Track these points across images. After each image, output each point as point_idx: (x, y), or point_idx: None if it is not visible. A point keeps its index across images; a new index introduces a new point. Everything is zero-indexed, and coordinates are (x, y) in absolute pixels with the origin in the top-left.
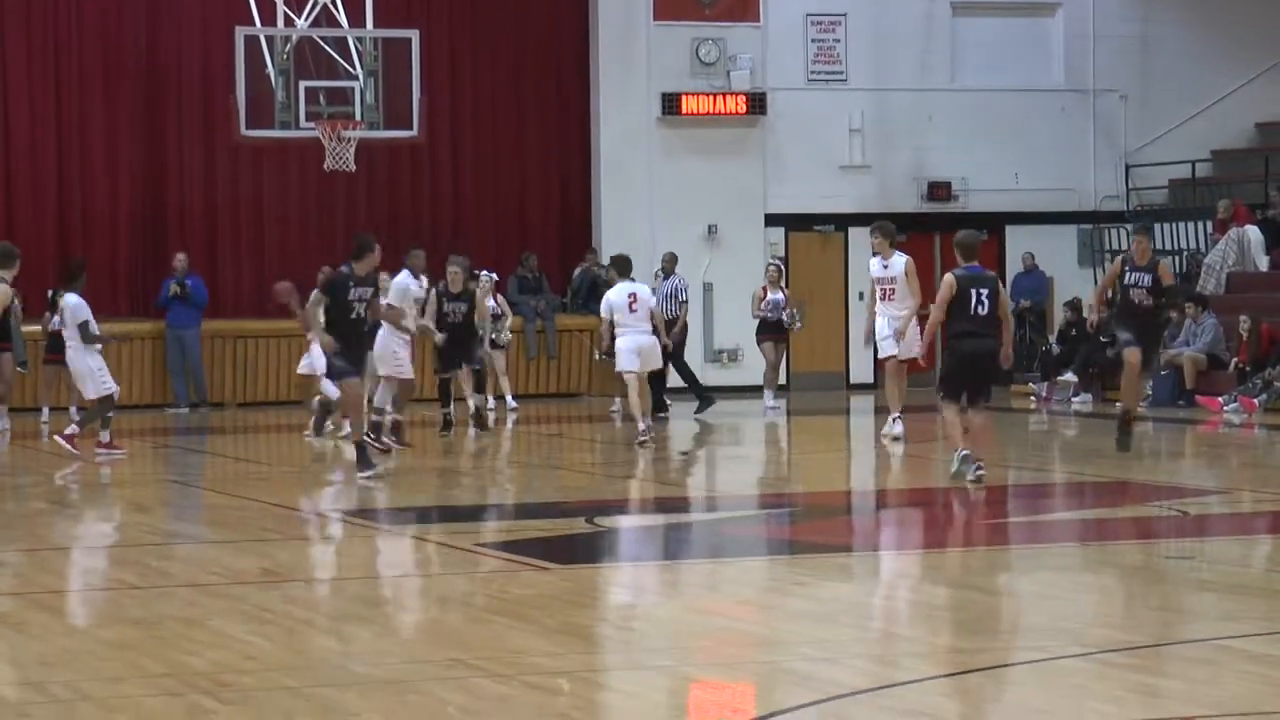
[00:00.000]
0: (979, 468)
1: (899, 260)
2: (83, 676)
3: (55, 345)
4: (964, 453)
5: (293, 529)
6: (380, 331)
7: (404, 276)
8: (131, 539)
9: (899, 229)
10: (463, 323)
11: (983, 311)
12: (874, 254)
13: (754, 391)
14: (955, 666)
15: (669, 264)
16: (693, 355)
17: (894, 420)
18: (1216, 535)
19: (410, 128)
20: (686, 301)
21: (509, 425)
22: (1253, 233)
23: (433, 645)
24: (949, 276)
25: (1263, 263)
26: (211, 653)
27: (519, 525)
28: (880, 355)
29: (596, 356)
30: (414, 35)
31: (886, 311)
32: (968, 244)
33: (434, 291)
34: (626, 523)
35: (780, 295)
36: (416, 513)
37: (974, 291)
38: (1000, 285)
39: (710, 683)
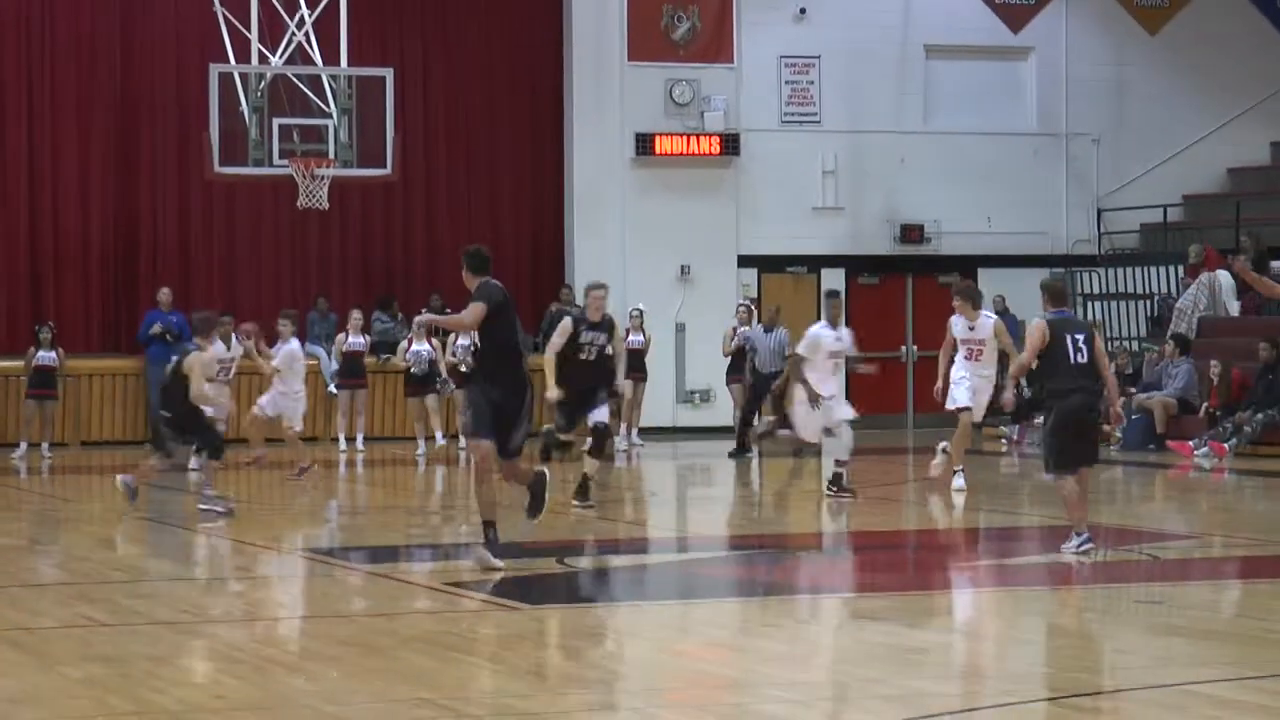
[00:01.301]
0: (1087, 540)
1: (986, 321)
2: (51, 714)
3: (39, 380)
4: (1086, 539)
5: (262, 567)
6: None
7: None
8: (101, 576)
9: (870, 270)
10: (596, 359)
11: (1082, 360)
12: (956, 314)
13: (726, 432)
14: (924, 710)
15: (773, 318)
16: (664, 395)
17: (957, 474)
18: (1186, 580)
19: (384, 165)
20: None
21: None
22: (1224, 277)
23: (402, 684)
24: (1039, 322)
25: (1234, 308)
26: (180, 691)
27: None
28: (953, 406)
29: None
30: (388, 74)
31: (975, 371)
32: (1056, 288)
33: (569, 319)
34: (597, 563)
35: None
36: (387, 550)
37: (1069, 338)
38: (1095, 331)
39: None
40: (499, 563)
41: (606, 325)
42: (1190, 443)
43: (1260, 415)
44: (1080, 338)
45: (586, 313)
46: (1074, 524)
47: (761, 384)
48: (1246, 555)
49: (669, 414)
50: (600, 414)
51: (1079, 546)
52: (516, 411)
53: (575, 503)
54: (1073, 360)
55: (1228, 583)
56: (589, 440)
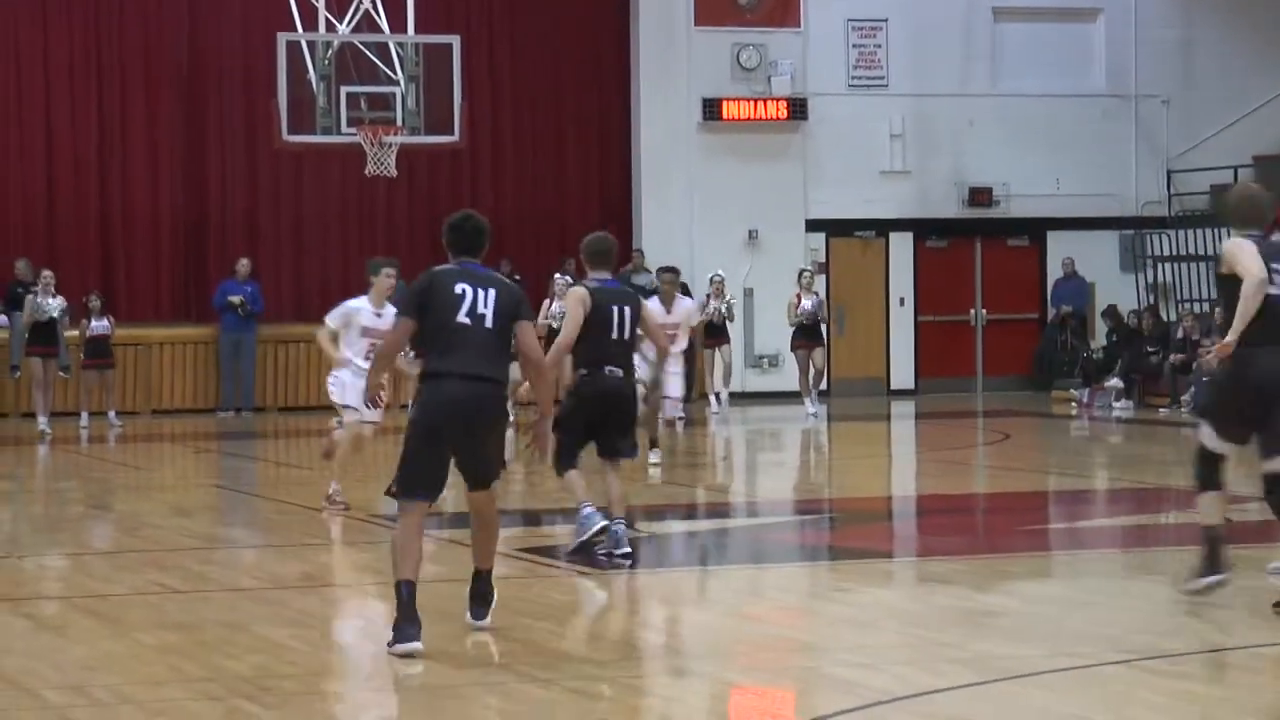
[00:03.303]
0: None
1: None
2: (125, 680)
3: (94, 350)
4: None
5: (333, 534)
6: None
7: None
8: (173, 543)
9: (938, 234)
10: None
11: None
12: None
13: (794, 397)
14: (994, 673)
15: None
16: (736, 360)
17: None
18: (1259, 542)
19: (451, 133)
20: None
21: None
22: None
23: (473, 650)
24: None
25: None
26: (252, 657)
27: (560, 530)
28: None
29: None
30: (455, 40)
31: None
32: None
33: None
34: (667, 528)
35: (810, 302)
36: (453, 518)
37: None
38: None
39: (750, 688)
40: None
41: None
42: None
43: None
44: None
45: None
46: None
47: None
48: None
49: (738, 379)
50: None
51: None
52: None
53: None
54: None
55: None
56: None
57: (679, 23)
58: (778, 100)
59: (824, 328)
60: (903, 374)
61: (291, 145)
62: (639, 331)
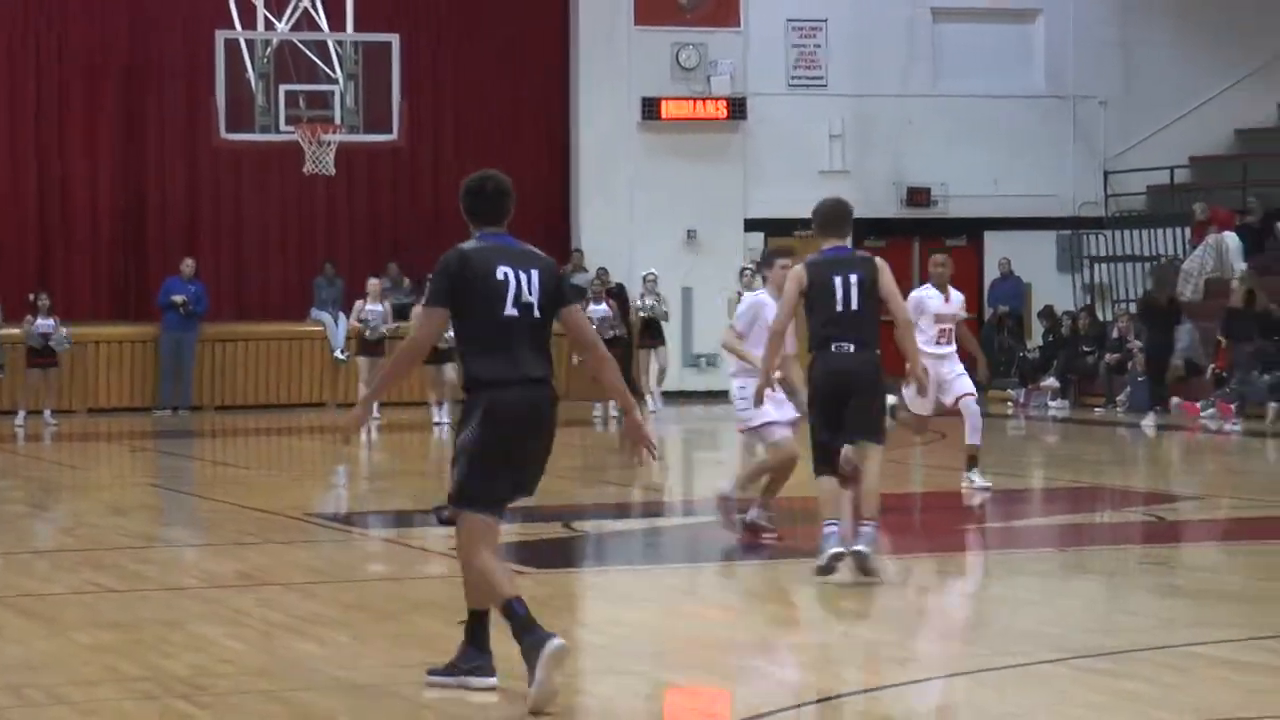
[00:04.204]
0: None
1: None
2: (59, 680)
3: (38, 349)
4: None
5: (270, 532)
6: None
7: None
8: (109, 542)
9: (877, 234)
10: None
11: None
12: None
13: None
14: (932, 672)
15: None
16: (673, 358)
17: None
18: (1192, 541)
19: (390, 131)
20: None
21: None
22: (1230, 239)
23: (411, 650)
24: None
25: (1241, 269)
26: (189, 656)
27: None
28: None
29: (574, 361)
30: (394, 39)
31: None
32: None
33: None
34: (604, 527)
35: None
36: (393, 516)
37: None
38: None
39: (687, 687)
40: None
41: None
42: (1198, 404)
43: (1267, 376)
44: None
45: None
46: None
47: None
48: (1251, 516)
49: (676, 378)
50: None
51: None
52: None
53: None
54: None
55: (1233, 544)
56: None
57: (619, 22)
58: (717, 100)
59: None
60: None
61: (230, 143)
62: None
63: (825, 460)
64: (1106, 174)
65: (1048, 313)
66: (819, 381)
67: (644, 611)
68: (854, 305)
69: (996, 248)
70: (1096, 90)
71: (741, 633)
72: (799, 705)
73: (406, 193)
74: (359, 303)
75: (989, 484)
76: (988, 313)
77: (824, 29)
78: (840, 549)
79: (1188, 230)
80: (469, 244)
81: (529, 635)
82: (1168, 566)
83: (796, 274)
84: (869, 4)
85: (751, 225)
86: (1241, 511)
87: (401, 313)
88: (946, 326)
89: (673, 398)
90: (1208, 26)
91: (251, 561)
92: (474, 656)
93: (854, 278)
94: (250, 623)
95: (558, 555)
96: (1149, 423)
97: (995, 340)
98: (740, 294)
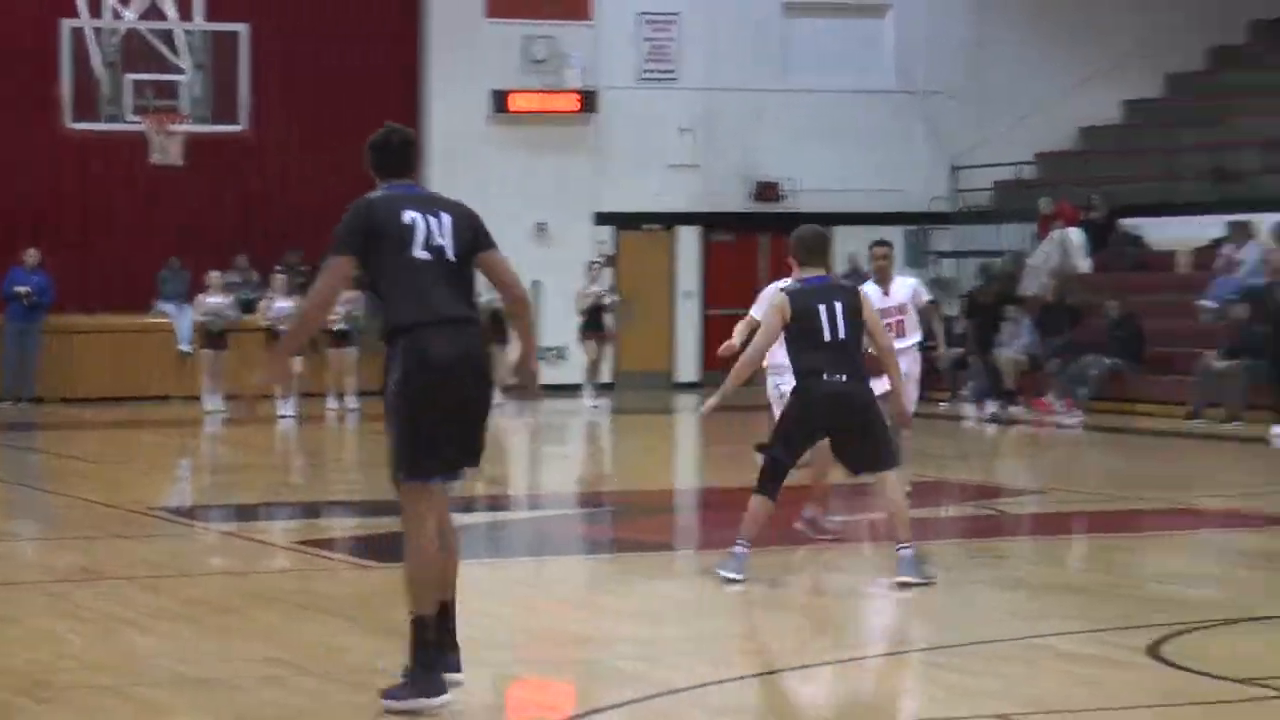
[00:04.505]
0: None
1: None
2: None
3: None
4: None
5: (112, 526)
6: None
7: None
8: None
9: (726, 227)
10: None
11: None
12: None
13: (579, 390)
14: (773, 665)
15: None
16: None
17: None
18: (1031, 534)
19: (238, 122)
20: None
21: (350, 425)
22: (1075, 235)
23: (252, 644)
24: None
25: (1085, 265)
26: (27, 652)
27: (341, 523)
28: None
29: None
30: (243, 29)
31: None
32: None
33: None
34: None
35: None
36: (239, 510)
37: None
38: None
39: (531, 681)
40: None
41: None
42: (1046, 398)
43: (1107, 361)
44: None
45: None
46: None
47: None
48: (1089, 510)
49: None
50: None
51: None
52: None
53: None
54: None
55: (1070, 537)
56: None
57: (470, 14)
58: (568, 93)
59: (609, 320)
60: (688, 367)
61: (76, 132)
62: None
63: (773, 479)
64: (954, 169)
65: None
66: (814, 405)
67: (489, 604)
68: (841, 335)
69: (845, 243)
70: (945, 86)
71: (587, 626)
72: (643, 699)
73: (256, 184)
74: (200, 296)
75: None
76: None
77: (676, 22)
78: (742, 578)
79: (1034, 226)
80: (375, 193)
81: (423, 666)
82: (1006, 559)
83: (779, 303)
84: None
85: (602, 218)
86: (1080, 505)
87: (248, 306)
88: (892, 320)
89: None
90: (1056, 25)
91: (93, 555)
92: (422, 672)
93: (839, 306)
94: (91, 617)
95: (401, 549)
96: (983, 415)
97: None
98: (592, 285)
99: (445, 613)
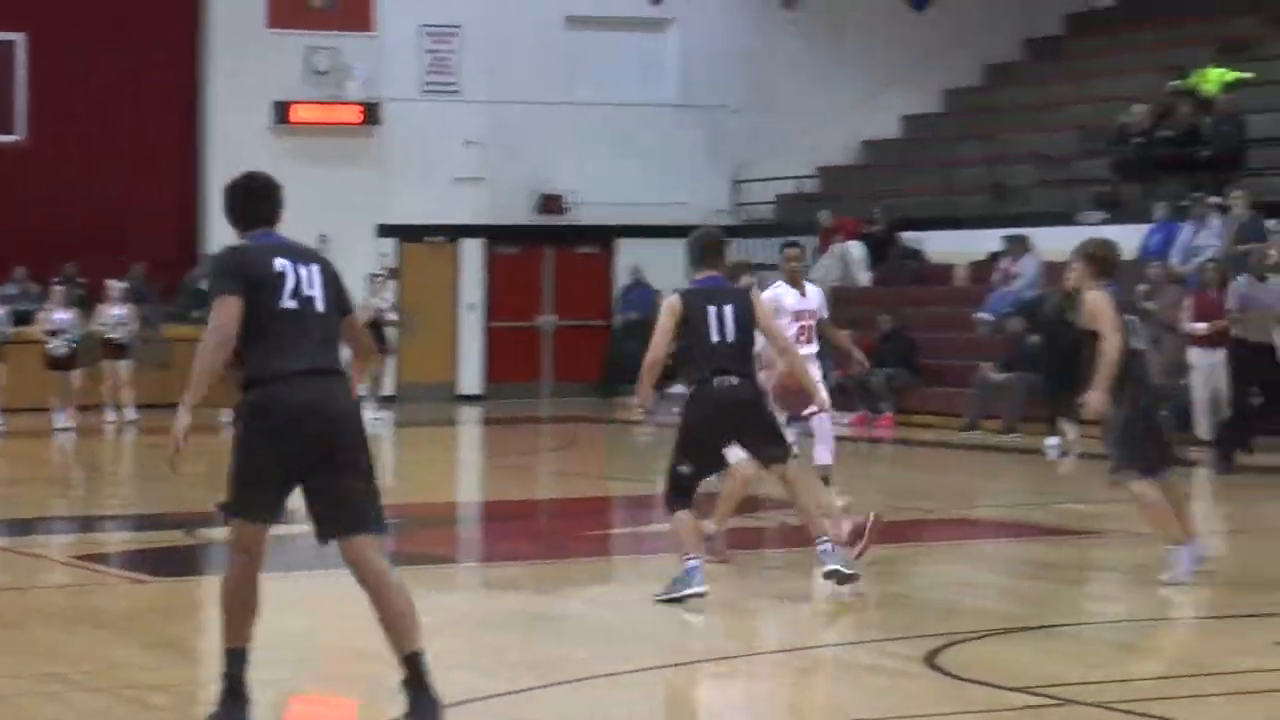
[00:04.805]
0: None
1: None
2: None
3: None
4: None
5: None
6: None
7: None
8: None
9: (510, 240)
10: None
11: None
12: None
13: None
14: (555, 676)
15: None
16: None
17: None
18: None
19: (14, 132)
20: None
21: (128, 437)
22: (855, 248)
23: (27, 658)
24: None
25: (864, 279)
26: None
27: (118, 538)
28: None
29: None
30: (19, 38)
31: None
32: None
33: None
34: (219, 535)
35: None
36: (15, 525)
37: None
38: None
39: (311, 696)
40: None
41: None
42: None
43: (885, 371)
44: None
45: None
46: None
47: None
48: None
49: None
50: None
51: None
52: None
53: None
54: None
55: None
56: None
57: (252, 24)
58: (351, 105)
59: (390, 334)
60: (471, 379)
61: None
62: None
63: (683, 493)
64: (737, 182)
65: None
66: (705, 413)
67: (276, 619)
68: (730, 337)
69: (627, 255)
70: (728, 99)
71: (369, 641)
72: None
73: (34, 195)
74: None
75: (847, 502)
76: (618, 320)
77: (458, 35)
78: (704, 591)
79: (815, 239)
80: (244, 241)
81: (232, 703)
82: (787, 570)
83: (671, 304)
84: (504, 11)
85: (385, 231)
86: (861, 516)
87: (25, 318)
88: (806, 324)
89: None
90: (837, 40)
91: None
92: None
93: (729, 309)
94: None
95: (182, 563)
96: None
97: (624, 347)
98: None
99: (413, 665)
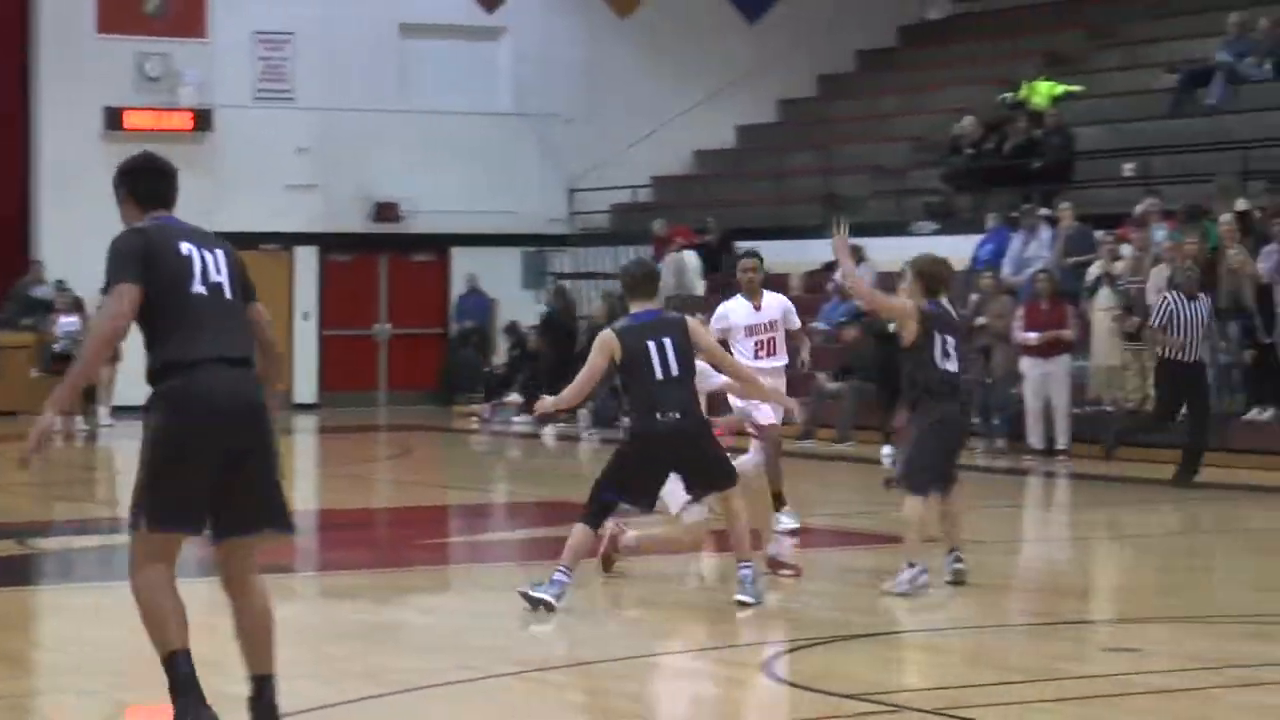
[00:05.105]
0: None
1: None
2: None
3: None
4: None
5: None
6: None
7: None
8: None
9: (344, 248)
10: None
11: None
12: None
13: None
14: (392, 686)
15: None
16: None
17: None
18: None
19: None
20: None
21: None
22: (690, 257)
23: None
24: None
25: (700, 287)
26: None
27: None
28: None
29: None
30: None
31: None
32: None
33: None
34: (61, 544)
35: None
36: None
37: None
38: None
39: (144, 707)
40: None
41: None
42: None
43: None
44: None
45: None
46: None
47: None
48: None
49: (141, 391)
50: None
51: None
52: None
53: None
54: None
55: (692, 557)
56: None
57: (81, 28)
58: (183, 111)
59: None
60: (305, 388)
61: None
62: None
63: (600, 513)
64: (571, 191)
65: (513, 329)
66: (649, 446)
67: (108, 629)
68: (675, 372)
69: (463, 264)
70: (561, 109)
71: (204, 649)
72: None
73: None
74: None
75: (797, 524)
76: (453, 328)
77: (291, 41)
78: (557, 602)
79: (650, 248)
80: (146, 223)
81: (185, 701)
82: (623, 579)
83: (606, 341)
84: (336, 18)
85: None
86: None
87: None
88: (764, 338)
89: (124, 413)
90: (670, 50)
91: None
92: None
93: (668, 342)
94: None
95: (12, 573)
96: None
97: (460, 356)
98: None
99: (261, 690)
